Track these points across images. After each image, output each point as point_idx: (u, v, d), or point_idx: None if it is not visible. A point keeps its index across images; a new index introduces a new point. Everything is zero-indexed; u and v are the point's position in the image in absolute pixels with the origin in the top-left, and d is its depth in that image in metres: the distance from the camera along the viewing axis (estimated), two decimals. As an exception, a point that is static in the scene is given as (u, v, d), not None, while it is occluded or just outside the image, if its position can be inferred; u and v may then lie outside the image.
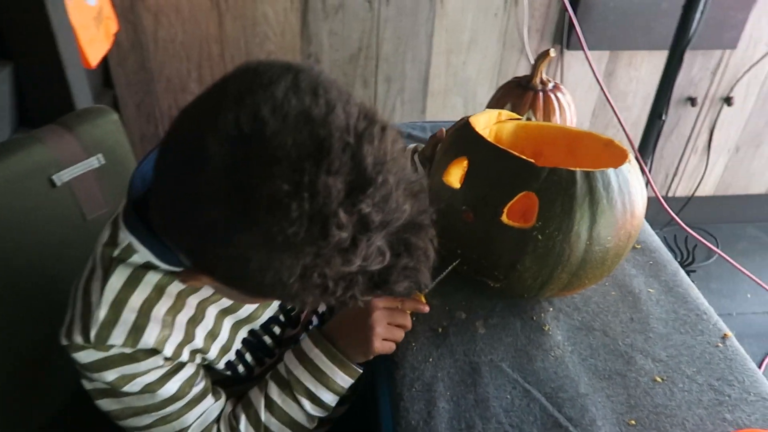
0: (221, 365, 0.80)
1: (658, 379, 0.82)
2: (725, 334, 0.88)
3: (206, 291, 0.73)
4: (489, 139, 0.84)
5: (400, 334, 0.83)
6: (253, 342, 0.84)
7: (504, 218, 0.80)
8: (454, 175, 0.85)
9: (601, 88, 1.82)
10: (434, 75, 2.08)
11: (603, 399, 0.79)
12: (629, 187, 0.80)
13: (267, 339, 0.85)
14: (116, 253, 0.67)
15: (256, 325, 0.83)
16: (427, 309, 0.86)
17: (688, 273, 1.00)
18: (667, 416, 0.77)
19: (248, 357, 0.83)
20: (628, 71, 2.12)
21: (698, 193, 2.43)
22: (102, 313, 0.65)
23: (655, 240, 1.07)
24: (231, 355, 0.81)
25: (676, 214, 1.73)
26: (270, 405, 0.79)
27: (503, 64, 2.07)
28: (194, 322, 0.72)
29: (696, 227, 2.17)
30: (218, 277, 0.57)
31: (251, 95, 0.49)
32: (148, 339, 0.67)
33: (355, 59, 2.01)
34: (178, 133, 0.54)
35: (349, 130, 0.49)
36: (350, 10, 1.91)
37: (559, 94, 1.16)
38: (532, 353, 0.85)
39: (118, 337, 0.65)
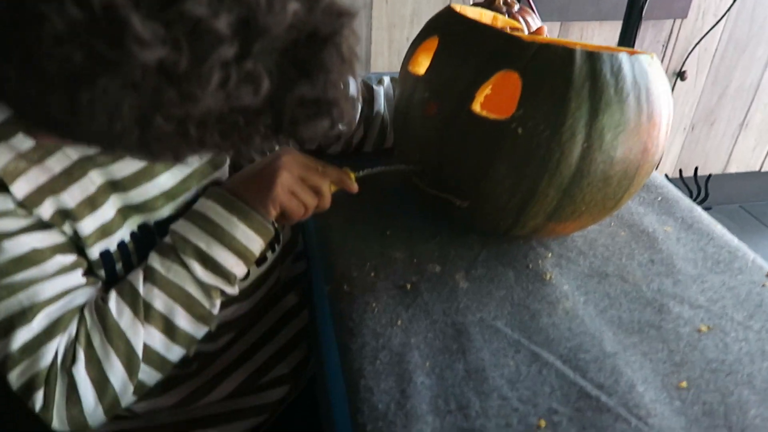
0: (95, 252, 0.56)
1: (704, 329, 0.61)
2: (770, 271, 0.69)
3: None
4: None
5: (311, 199, 0.62)
6: (141, 240, 0.60)
7: (475, 106, 0.59)
8: (422, 64, 0.64)
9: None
10: (377, 53, 1.88)
11: (638, 358, 0.58)
12: (648, 83, 0.61)
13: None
14: None
15: (150, 219, 0.61)
16: (355, 188, 0.65)
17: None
18: (727, 373, 0.57)
19: (134, 260, 0.60)
20: (579, 46, 2.00)
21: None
22: None
23: (657, 176, 0.89)
24: (111, 244, 0.58)
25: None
26: (151, 275, 0.57)
27: (449, 37, 1.90)
28: (70, 176, 0.54)
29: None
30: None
31: None
32: None
33: (286, 34, 1.79)
34: None
35: None
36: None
37: (528, 18, 0.98)
38: (534, 308, 0.63)
39: None
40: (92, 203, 0.55)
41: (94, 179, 0.55)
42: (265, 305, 0.74)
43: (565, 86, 0.56)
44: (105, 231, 0.57)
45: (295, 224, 0.75)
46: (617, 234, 0.75)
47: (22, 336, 0.51)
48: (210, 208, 0.59)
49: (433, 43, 0.65)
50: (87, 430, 0.54)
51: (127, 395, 0.55)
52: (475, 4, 1.04)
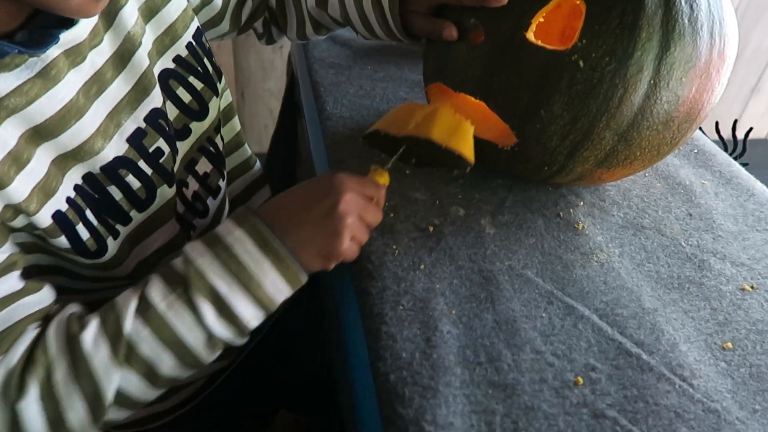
0: (45, 218, 0.45)
1: (747, 288, 0.57)
2: (815, 231, 0.65)
3: None
4: None
5: (365, 238, 0.52)
6: (92, 195, 0.50)
7: (530, 35, 0.52)
8: None
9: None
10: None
11: (680, 315, 0.54)
12: (722, 13, 0.55)
13: (115, 192, 0.52)
14: None
15: (95, 166, 0.50)
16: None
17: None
18: (774, 336, 0.53)
19: (90, 216, 0.50)
20: None
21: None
22: None
23: (692, 128, 0.83)
24: (59, 203, 0.46)
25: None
26: (145, 309, 0.46)
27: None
28: None
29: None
30: None
31: None
32: None
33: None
34: None
35: None
36: None
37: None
38: (566, 258, 0.59)
39: None
40: (17, 160, 0.43)
41: (11, 130, 0.43)
42: None
43: (636, 13, 0.50)
44: (45, 191, 0.45)
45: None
46: (652, 185, 0.70)
47: None
48: (239, 240, 0.47)
49: None
50: None
51: None
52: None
